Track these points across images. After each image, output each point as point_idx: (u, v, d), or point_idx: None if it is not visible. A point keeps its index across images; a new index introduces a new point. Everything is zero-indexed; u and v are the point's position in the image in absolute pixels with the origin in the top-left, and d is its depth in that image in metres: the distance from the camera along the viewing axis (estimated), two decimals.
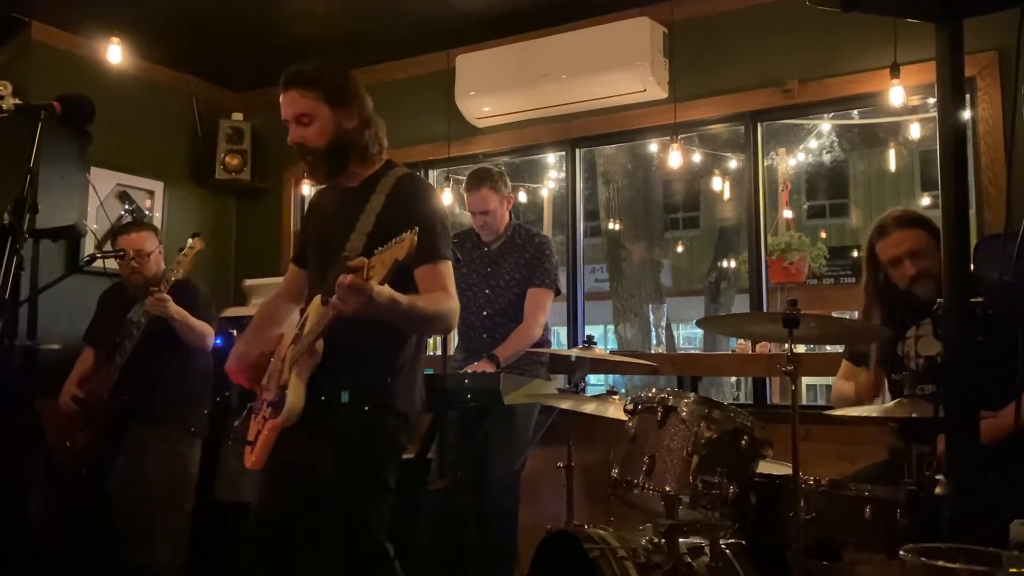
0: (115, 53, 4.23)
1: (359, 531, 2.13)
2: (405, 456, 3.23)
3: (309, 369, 2.09)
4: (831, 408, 2.83)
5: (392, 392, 2.18)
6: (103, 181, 4.44)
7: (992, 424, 2.07)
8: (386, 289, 1.88)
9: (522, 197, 6.48)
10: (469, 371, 3.26)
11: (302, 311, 2.28)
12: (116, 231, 3.74)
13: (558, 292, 3.65)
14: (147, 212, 4.72)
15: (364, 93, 2.33)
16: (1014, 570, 0.93)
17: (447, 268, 2.18)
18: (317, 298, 2.12)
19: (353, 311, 1.87)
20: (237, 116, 5.05)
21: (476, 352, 3.45)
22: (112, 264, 3.58)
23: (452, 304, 2.14)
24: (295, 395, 2.06)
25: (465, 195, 3.65)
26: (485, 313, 3.56)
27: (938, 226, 2.69)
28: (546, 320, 3.57)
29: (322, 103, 2.22)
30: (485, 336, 3.51)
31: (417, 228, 1.85)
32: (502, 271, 3.59)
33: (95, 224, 4.41)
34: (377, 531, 2.17)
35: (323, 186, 2.49)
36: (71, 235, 3.50)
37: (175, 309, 3.33)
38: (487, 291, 3.58)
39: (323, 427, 2.11)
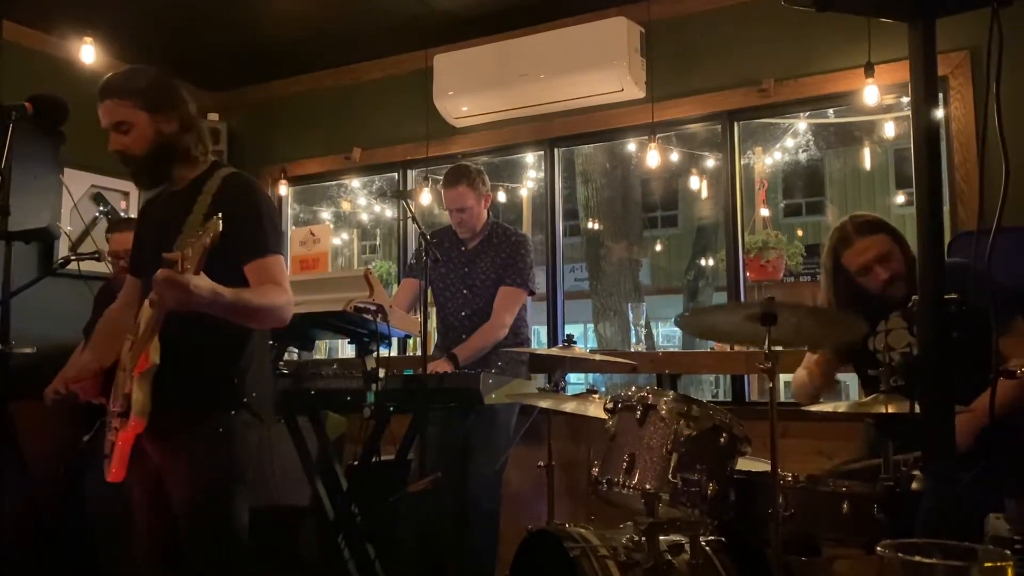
0: (88, 53, 4.18)
1: (223, 531, 2.12)
2: (385, 458, 3.26)
3: (149, 373, 2.05)
4: (802, 403, 2.85)
5: (239, 388, 2.16)
6: (77, 182, 4.38)
7: (965, 421, 2.09)
8: (205, 281, 1.88)
9: (501, 197, 6.47)
10: (429, 371, 3.22)
11: (136, 318, 2.24)
12: (108, 227, 3.69)
13: (532, 292, 3.62)
14: (122, 213, 4.67)
15: (184, 96, 2.30)
16: (989, 564, 0.94)
17: (276, 262, 2.18)
18: (147, 302, 2.10)
19: (173, 305, 1.89)
20: (213, 116, 5.00)
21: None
22: (87, 266, 3.53)
23: (283, 297, 2.12)
24: (138, 400, 2.03)
25: (442, 192, 3.63)
26: (464, 313, 3.55)
27: (896, 228, 2.73)
28: (513, 320, 3.53)
29: (139, 109, 2.20)
30: (464, 336, 3.49)
31: (221, 215, 1.87)
32: (479, 271, 3.58)
33: (69, 226, 4.36)
34: (239, 529, 2.16)
35: (151, 194, 2.46)
36: (44, 237, 3.46)
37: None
38: (465, 291, 3.57)
39: (172, 431, 2.09)
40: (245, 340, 2.20)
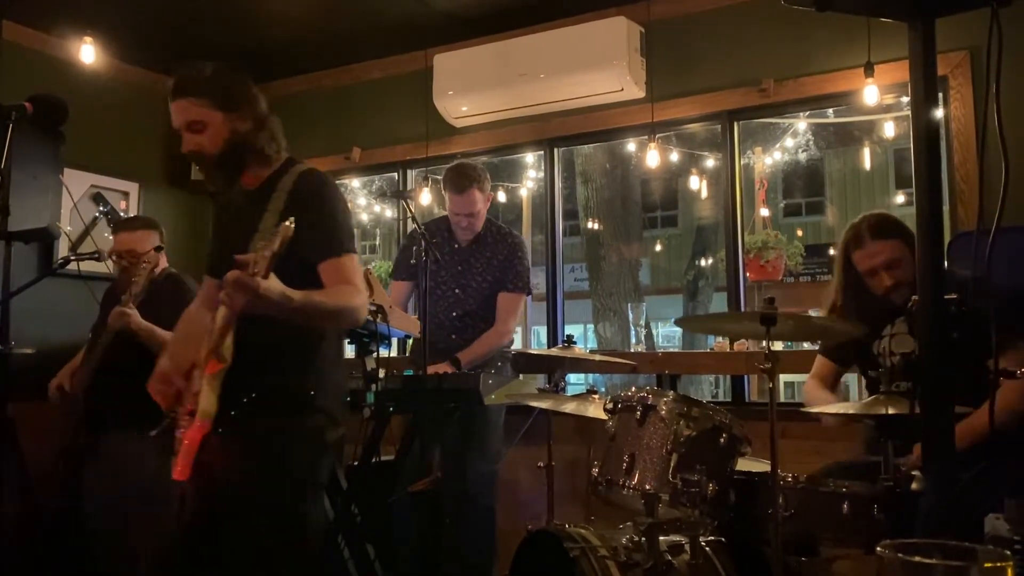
0: (88, 53, 4.18)
1: (296, 535, 2.09)
2: (385, 458, 3.25)
3: (220, 374, 2.01)
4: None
5: (314, 391, 2.14)
6: (77, 182, 4.38)
7: (968, 426, 2.09)
8: (276, 284, 1.86)
9: (501, 197, 6.47)
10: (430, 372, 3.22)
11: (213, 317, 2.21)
12: (113, 227, 3.67)
13: (530, 292, 3.61)
14: (122, 213, 4.67)
15: (257, 94, 2.28)
16: (989, 564, 0.94)
17: (351, 261, 2.14)
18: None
19: (242, 307, 1.86)
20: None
21: (443, 352, 3.41)
22: (87, 266, 3.53)
23: (358, 297, 2.09)
24: (206, 401, 2.00)
25: (449, 196, 3.53)
26: (455, 314, 3.50)
27: (913, 232, 2.73)
28: (516, 324, 3.54)
29: (213, 109, 2.17)
30: (454, 336, 3.46)
31: (293, 219, 1.85)
32: (473, 271, 3.53)
33: (69, 226, 4.36)
34: (314, 534, 2.14)
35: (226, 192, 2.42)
36: (44, 237, 3.46)
37: (138, 324, 3.22)
38: (456, 290, 3.51)
39: (243, 432, 2.06)
40: (319, 342, 2.18)
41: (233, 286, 1.83)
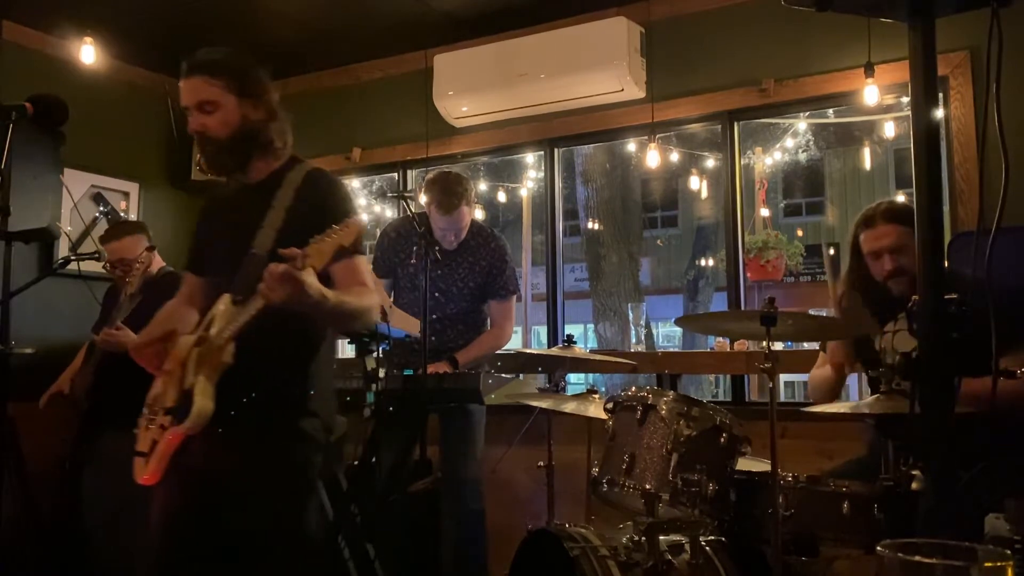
0: (88, 53, 4.18)
1: (291, 535, 2.07)
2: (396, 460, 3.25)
3: (218, 372, 1.95)
4: (809, 404, 2.85)
5: (309, 394, 2.12)
6: (77, 183, 4.39)
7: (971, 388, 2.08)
8: (315, 282, 1.82)
9: (501, 197, 6.48)
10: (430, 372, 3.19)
11: (202, 314, 2.14)
12: (103, 236, 3.65)
13: (518, 291, 3.60)
14: (122, 214, 4.67)
15: (271, 86, 2.22)
16: (989, 564, 0.94)
17: (364, 262, 2.13)
18: (223, 299, 2.02)
19: (281, 301, 1.81)
20: None
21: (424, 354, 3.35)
22: (87, 267, 3.53)
23: (374, 298, 2.08)
24: (204, 399, 1.93)
25: (433, 209, 3.38)
26: (434, 316, 3.41)
27: None
28: (513, 326, 3.52)
29: (228, 92, 2.10)
30: (433, 339, 3.37)
31: (363, 219, 1.82)
32: (456, 276, 3.47)
33: (69, 226, 4.36)
34: (313, 532, 2.12)
35: (217, 186, 2.39)
36: (44, 237, 3.46)
37: (125, 341, 3.15)
38: (436, 294, 3.45)
39: (237, 432, 2.01)
40: (318, 345, 2.15)
41: (280, 279, 1.77)
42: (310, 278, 1.80)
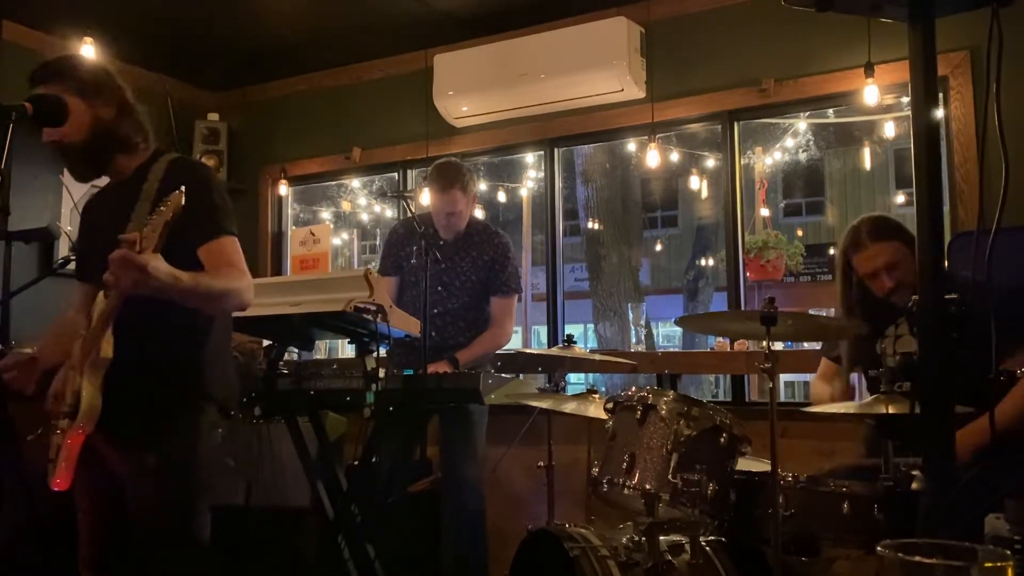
0: (88, 53, 4.18)
1: (186, 537, 2.05)
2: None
3: (102, 368, 1.93)
4: (809, 405, 2.85)
5: (207, 380, 2.10)
6: (76, 183, 4.37)
7: (966, 437, 2.09)
8: (163, 263, 1.81)
9: (501, 197, 6.47)
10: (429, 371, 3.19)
11: (88, 317, 2.10)
12: None
13: (520, 291, 3.60)
14: None
15: (120, 82, 2.20)
16: (989, 564, 0.94)
17: (232, 243, 2.08)
18: (99, 296, 2.00)
19: (129, 287, 1.80)
20: (213, 116, 5.01)
21: (427, 350, 3.36)
22: None
23: (243, 279, 2.04)
24: (89, 397, 1.92)
25: (431, 192, 3.49)
26: (436, 311, 3.44)
27: (912, 233, 2.73)
28: (513, 325, 3.52)
29: (73, 96, 2.10)
30: (434, 335, 3.40)
31: (184, 187, 1.81)
32: (458, 270, 3.49)
33: (69, 226, 4.36)
34: (202, 535, 2.08)
35: (90, 193, 2.39)
36: (44, 237, 3.45)
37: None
38: (439, 288, 3.46)
39: (131, 431, 2.00)
40: (207, 330, 2.12)
41: (120, 264, 1.77)
42: (154, 260, 1.79)
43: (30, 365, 2.19)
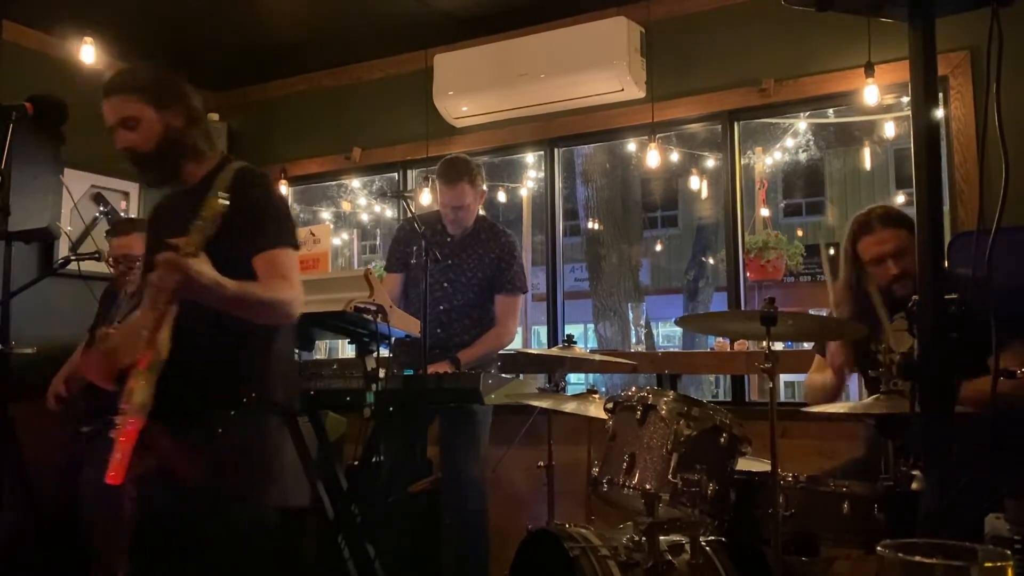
0: (88, 53, 4.18)
1: (252, 535, 2.08)
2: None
3: (155, 366, 1.95)
4: (809, 405, 2.85)
5: (268, 384, 2.12)
6: (77, 182, 4.38)
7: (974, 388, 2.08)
8: (208, 268, 1.86)
9: (501, 197, 6.47)
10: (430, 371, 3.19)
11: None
12: (108, 231, 3.67)
13: (526, 291, 3.60)
14: (122, 214, 4.67)
15: (189, 91, 2.26)
16: (989, 564, 0.94)
17: (286, 255, 2.11)
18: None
19: (173, 289, 1.85)
20: (213, 116, 4.99)
21: (430, 348, 3.34)
22: (87, 267, 3.53)
23: (290, 292, 2.07)
24: (140, 394, 1.94)
25: (439, 186, 3.51)
26: (441, 308, 3.46)
27: None
28: (516, 325, 3.52)
29: (146, 105, 2.17)
30: (439, 331, 3.42)
31: (223, 194, 1.87)
32: (464, 267, 3.50)
33: (69, 226, 4.36)
34: (268, 532, 2.12)
35: (159, 196, 2.43)
36: (44, 237, 3.46)
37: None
38: (445, 284, 3.48)
39: (192, 428, 2.02)
40: (269, 337, 2.16)
41: (164, 266, 1.82)
42: (201, 266, 1.84)
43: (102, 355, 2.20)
